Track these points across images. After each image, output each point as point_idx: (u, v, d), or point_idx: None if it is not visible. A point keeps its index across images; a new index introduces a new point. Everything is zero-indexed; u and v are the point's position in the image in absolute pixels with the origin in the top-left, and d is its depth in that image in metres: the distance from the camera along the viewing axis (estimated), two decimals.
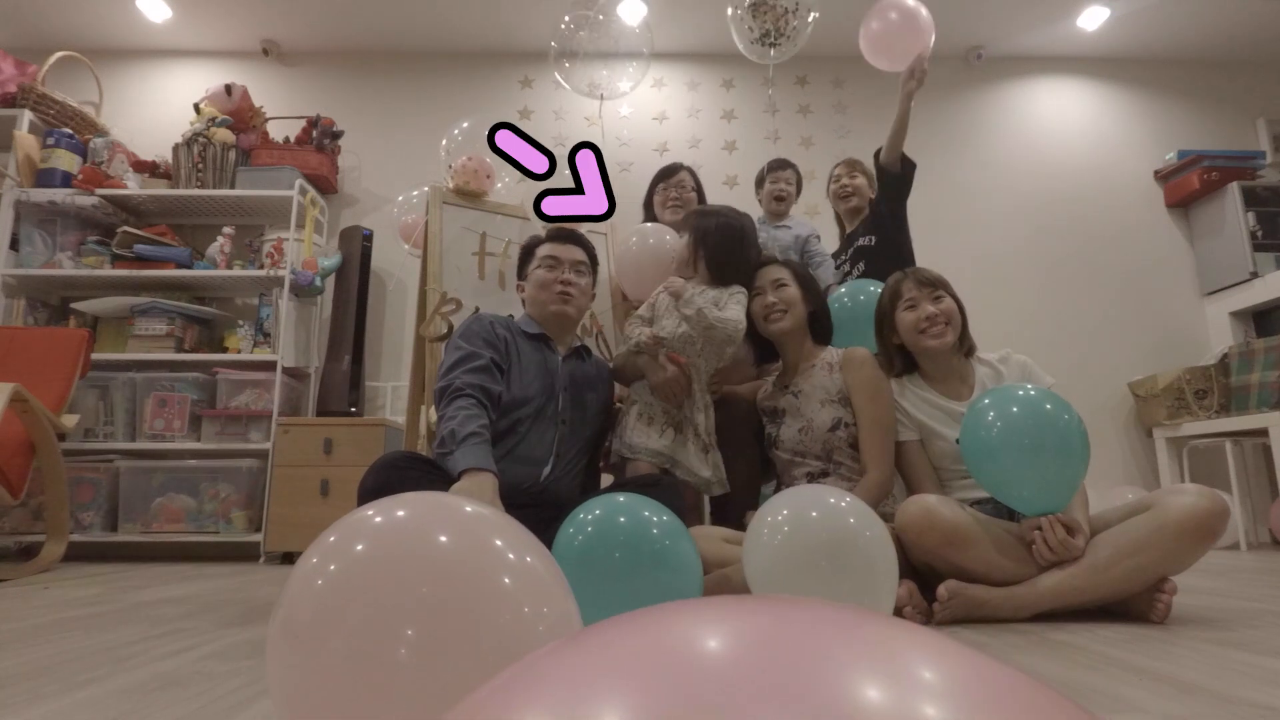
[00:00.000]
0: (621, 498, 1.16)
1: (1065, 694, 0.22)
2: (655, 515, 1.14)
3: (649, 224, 2.27)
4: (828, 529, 1.11)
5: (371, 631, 0.51)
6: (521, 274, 1.80)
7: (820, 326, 1.82)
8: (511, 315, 1.78)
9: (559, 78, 2.83)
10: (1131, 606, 1.35)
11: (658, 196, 2.36)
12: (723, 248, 1.80)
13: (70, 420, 2.51)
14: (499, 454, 1.48)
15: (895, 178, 2.21)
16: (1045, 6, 3.51)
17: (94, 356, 2.82)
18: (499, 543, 0.57)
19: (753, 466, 1.84)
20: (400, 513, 0.59)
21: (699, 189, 2.39)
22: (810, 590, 1.09)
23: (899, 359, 1.71)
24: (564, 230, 1.80)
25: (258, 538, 2.87)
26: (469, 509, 0.61)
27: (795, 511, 1.14)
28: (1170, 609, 1.31)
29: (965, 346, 1.68)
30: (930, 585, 1.37)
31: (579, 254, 1.75)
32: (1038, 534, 1.35)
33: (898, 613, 1.35)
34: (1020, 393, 1.39)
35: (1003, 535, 1.39)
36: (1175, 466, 3.25)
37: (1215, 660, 1.02)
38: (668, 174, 2.38)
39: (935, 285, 1.66)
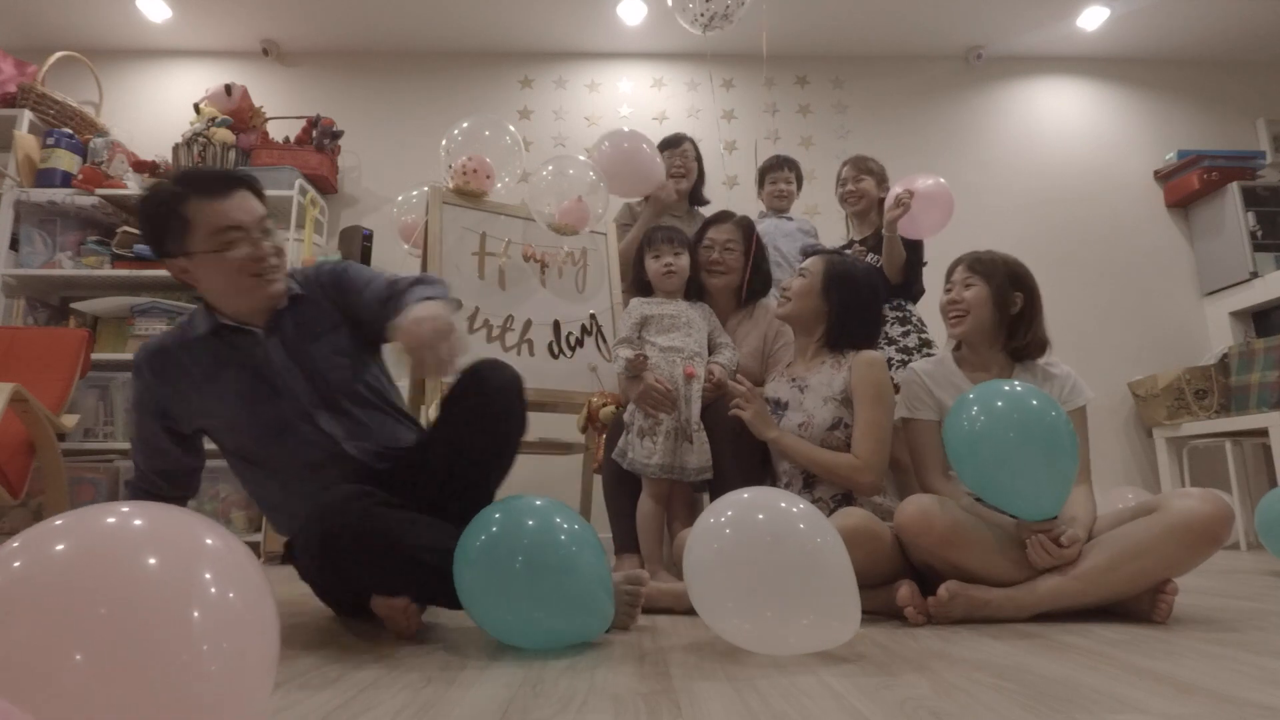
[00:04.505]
0: (539, 501, 1.17)
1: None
2: (565, 521, 1.14)
3: (621, 130, 2.39)
4: (773, 533, 1.04)
5: (40, 655, 0.48)
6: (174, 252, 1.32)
7: (838, 330, 1.73)
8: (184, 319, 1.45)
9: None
10: (1133, 607, 1.35)
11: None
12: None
13: (70, 420, 2.51)
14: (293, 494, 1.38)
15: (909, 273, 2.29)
16: (1045, 6, 3.51)
17: (94, 356, 2.81)
18: (207, 575, 0.55)
19: (752, 465, 1.84)
20: (138, 521, 0.56)
21: (699, 159, 2.55)
22: (755, 598, 1.02)
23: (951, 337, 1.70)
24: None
25: (258, 538, 2.87)
26: (210, 539, 0.58)
27: (740, 514, 1.08)
28: (1171, 610, 1.31)
29: (1014, 344, 1.61)
30: (932, 585, 1.37)
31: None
32: (1031, 543, 1.34)
33: (899, 613, 1.35)
34: (1000, 404, 1.32)
35: (1002, 536, 1.39)
36: (1175, 466, 3.25)
37: (1215, 660, 1.02)
38: (674, 143, 2.53)
39: (975, 270, 1.62)
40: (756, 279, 2.09)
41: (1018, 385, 1.36)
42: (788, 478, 1.73)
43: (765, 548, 1.03)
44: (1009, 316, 1.62)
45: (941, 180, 2.26)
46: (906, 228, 2.21)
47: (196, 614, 0.53)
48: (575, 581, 1.11)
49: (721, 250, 2.07)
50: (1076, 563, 1.34)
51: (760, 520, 1.06)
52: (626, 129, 2.45)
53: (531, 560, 1.09)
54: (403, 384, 3.31)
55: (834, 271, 1.75)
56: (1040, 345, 1.63)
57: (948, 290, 1.65)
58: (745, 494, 1.13)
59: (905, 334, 2.26)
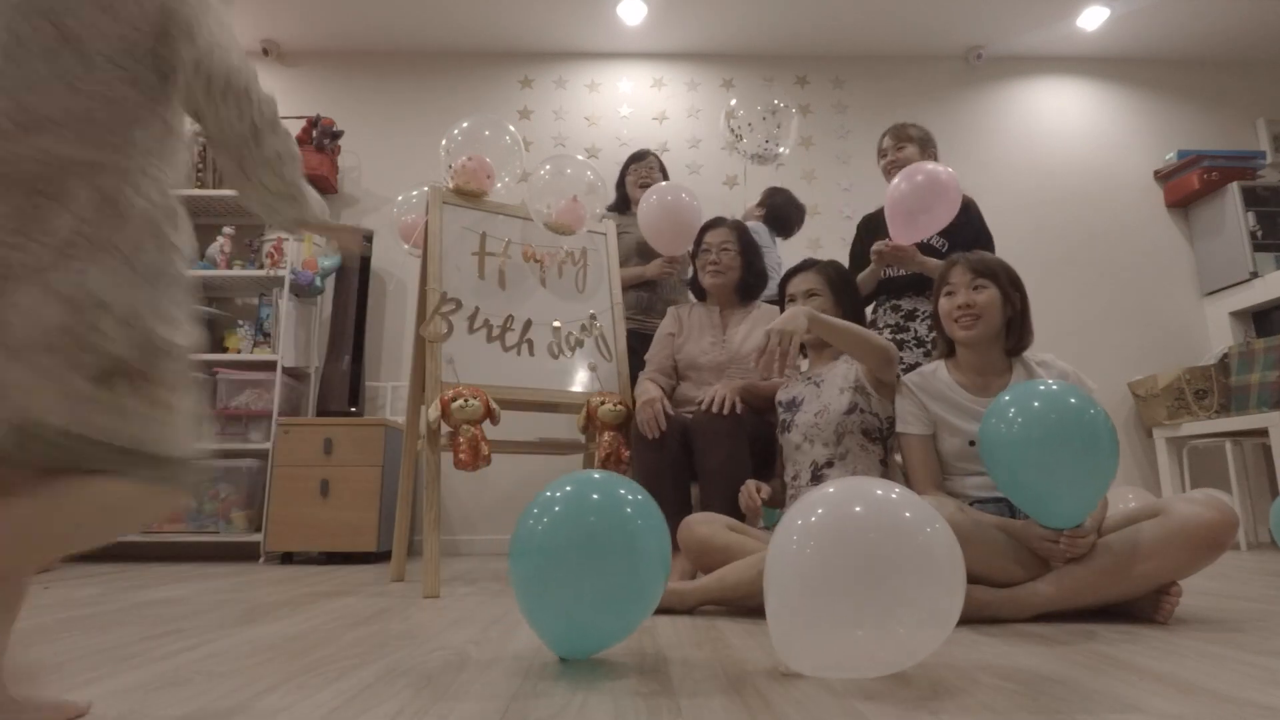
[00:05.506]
0: (597, 474, 1.09)
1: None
2: (629, 494, 1.06)
3: (664, 183, 2.51)
4: (878, 529, 0.88)
5: None
6: None
7: None
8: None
9: None
10: (1135, 607, 1.35)
11: (630, 176, 2.76)
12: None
13: None
14: None
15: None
16: (1045, 6, 3.51)
17: None
18: None
19: (743, 469, 1.84)
20: None
21: (664, 170, 2.80)
22: (853, 608, 0.85)
23: (942, 342, 1.67)
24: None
25: (258, 538, 2.87)
26: None
27: (833, 511, 0.91)
28: (1174, 611, 1.31)
29: (1012, 343, 1.61)
30: None
31: None
32: (1057, 547, 1.33)
33: None
34: (1037, 404, 1.27)
35: (1002, 537, 1.39)
36: (1175, 466, 3.25)
37: (1216, 660, 1.02)
38: (640, 157, 2.80)
39: (981, 274, 1.58)
40: (752, 276, 2.20)
41: (1054, 385, 1.30)
42: (795, 469, 1.76)
43: (873, 545, 0.87)
44: (1008, 316, 1.62)
45: (919, 178, 2.00)
46: (910, 233, 2.06)
47: None
48: (646, 565, 1.03)
49: (718, 251, 2.17)
50: (1078, 565, 1.33)
51: (859, 513, 0.90)
52: (664, 183, 2.49)
53: (601, 543, 1.01)
54: (403, 383, 3.31)
55: (836, 280, 1.87)
56: (1030, 339, 1.64)
57: (949, 294, 1.60)
58: (830, 488, 0.96)
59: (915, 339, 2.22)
